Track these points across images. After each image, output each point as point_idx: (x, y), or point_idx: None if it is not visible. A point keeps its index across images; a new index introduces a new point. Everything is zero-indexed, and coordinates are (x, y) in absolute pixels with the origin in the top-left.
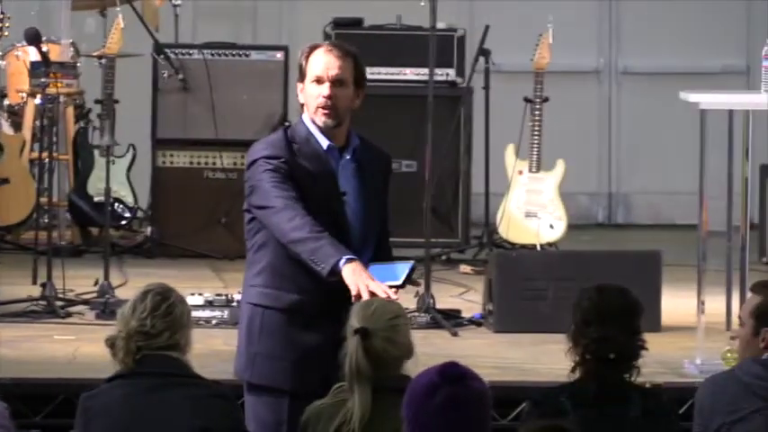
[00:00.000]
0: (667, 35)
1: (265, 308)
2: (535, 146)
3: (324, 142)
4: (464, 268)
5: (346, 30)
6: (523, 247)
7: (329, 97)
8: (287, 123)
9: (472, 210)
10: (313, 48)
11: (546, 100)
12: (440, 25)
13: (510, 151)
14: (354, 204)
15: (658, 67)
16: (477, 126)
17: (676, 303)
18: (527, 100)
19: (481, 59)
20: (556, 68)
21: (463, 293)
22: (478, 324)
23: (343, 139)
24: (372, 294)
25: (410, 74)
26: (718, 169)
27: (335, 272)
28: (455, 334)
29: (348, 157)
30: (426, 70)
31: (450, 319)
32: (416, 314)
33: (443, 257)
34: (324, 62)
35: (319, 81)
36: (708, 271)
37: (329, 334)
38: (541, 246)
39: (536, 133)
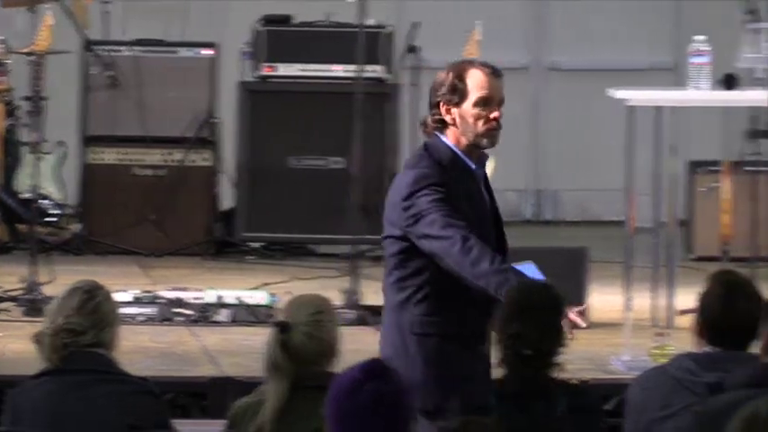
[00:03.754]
0: (595, 32)
1: (433, 336)
2: None
3: (470, 163)
4: None
5: (276, 27)
6: None
7: (499, 120)
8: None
9: None
10: (466, 67)
11: None
12: (369, 22)
13: None
14: (493, 219)
15: (586, 64)
16: (405, 123)
17: (603, 300)
18: None
19: (411, 56)
20: None
21: None
22: None
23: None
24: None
25: (339, 70)
26: (646, 166)
27: None
28: None
29: (480, 174)
30: (355, 67)
31: (377, 316)
32: (343, 310)
33: (371, 254)
34: (490, 84)
35: (487, 103)
36: (635, 267)
37: (487, 355)
38: None
39: None
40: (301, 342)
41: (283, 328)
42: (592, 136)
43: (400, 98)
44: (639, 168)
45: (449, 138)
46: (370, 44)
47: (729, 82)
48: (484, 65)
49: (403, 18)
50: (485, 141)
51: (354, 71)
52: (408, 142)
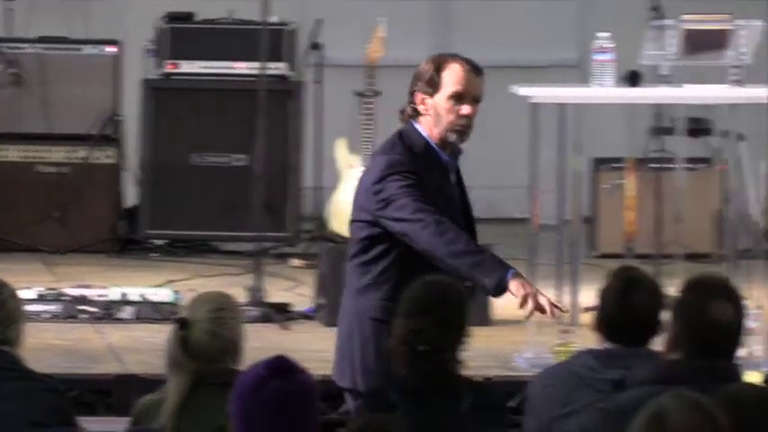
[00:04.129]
0: (499, 28)
1: (386, 322)
2: (366, 140)
3: (442, 155)
4: (295, 262)
5: (179, 24)
6: None
7: (470, 117)
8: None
9: (304, 204)
10: (446, 60)
11: (378, 94)
12: (272, 19)
13: (341, 145)
14: (463, 211)
15: (490, 61)
16: (309, 120)
17: (507, 297)
18: (359, 94)
19: (314, 53)
20: (389, 62)
21: (294, 287)
22: (310, 318)
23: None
24: (539, 307)
25: (242, 68)
26: (550, 163)
27: (501, 285)
28: (286, 328)
29: (452, 166)
30: (258, 64)
31: (282, 313)
32: (247, 308)
33: (274, 252)
34: (466, 80)
35: (460, 98)
36: (539, 265)
37: None
38: None
39: (368, 127)
40: (202, 339)
41: (183, 324)
42: (496, 133)
43: (304, 95)
44: (543, 165)
45: (423, 127)
46: (273, 41)
47: (633, 79)
48: (465, 60)
49: (306, 15)
50: (453, 136)
51: (257, 68)
52: (312, 139)
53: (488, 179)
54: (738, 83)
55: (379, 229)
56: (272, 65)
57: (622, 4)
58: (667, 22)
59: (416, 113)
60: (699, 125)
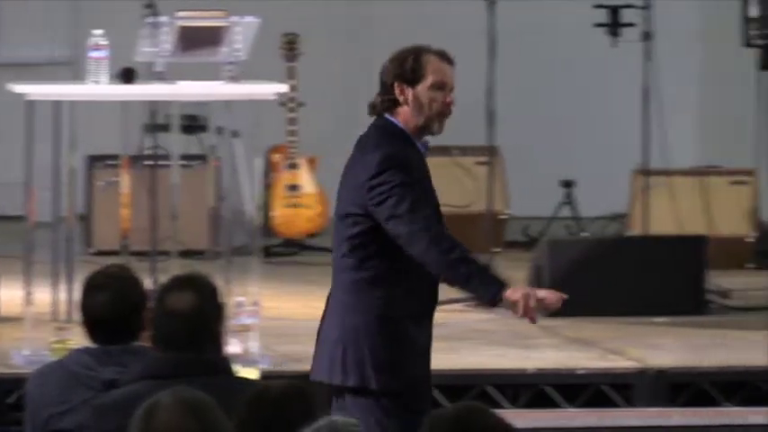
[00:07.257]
0: None
1: (391, 318)
2: None
3: (419, 144)
4: None
5: None
6: None
7: (452, 104)
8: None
9: None
10: (422, 51)
11: None
12: None
13: None
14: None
15: None
16: None
17: (4, 294)
18: None
19: None
20: None
21: None
22: None
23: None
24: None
25: None
26: (45, 160)
27: (495, 299)
28: None
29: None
30: None
31: None
32: None
33: None
34: (445, 69)
35: (441, 87)
36: (36, 262)
37: (430, 332)
38: None
39: None
40: None
41: None
42: None
43: None
44: (39, 163)
45: (398, 119)
46: None
47: (127, 76)
48: (439, 51)
49: None
50: (435, 126)
51: None
52: None
53: None
54: (234, 79)
55: (373, 223)
56: None
57: (116, 2)
58: (162, 19)
59: (392, 104)
60: (193, 122)
